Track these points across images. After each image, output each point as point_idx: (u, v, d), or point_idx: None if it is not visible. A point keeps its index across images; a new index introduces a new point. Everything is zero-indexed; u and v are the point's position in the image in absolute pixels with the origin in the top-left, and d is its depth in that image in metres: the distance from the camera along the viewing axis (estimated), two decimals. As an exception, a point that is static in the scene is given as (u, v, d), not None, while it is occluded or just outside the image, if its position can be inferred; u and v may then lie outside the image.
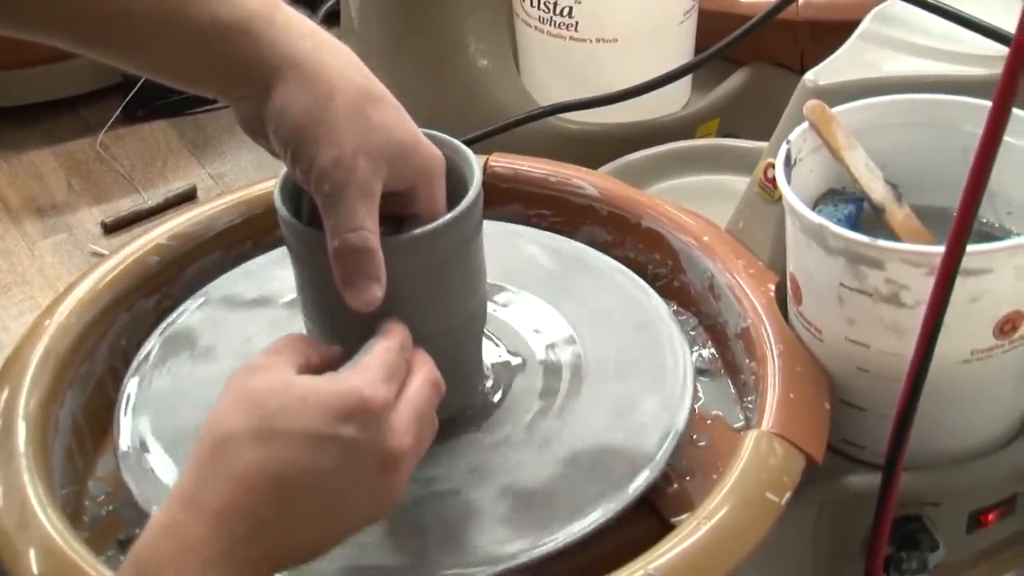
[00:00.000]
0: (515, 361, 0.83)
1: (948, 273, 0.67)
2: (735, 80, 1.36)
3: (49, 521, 0.71)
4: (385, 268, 0.67)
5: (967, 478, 0.84)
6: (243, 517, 0.59)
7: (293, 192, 0.73)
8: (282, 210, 0.71)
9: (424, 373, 0.67)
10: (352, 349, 0.67)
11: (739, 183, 1.11)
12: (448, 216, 0.71)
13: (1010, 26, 0.89)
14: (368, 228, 0.66)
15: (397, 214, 0.71)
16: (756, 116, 1.32)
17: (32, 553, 0.69)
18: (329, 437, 0.60)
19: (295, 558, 0.62)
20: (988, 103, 0.79)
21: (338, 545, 0.64)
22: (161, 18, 0.68)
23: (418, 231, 0.70)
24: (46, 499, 0.72)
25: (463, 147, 0.75)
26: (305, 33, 0.69)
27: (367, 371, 0.64)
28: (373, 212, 0.67)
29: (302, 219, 0.72)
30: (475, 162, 0.74)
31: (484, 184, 0.74)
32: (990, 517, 0.86)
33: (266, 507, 0.60)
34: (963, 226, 0.65)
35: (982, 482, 0.85)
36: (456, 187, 0.73)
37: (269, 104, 0.68)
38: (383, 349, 0.66)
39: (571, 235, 0.95)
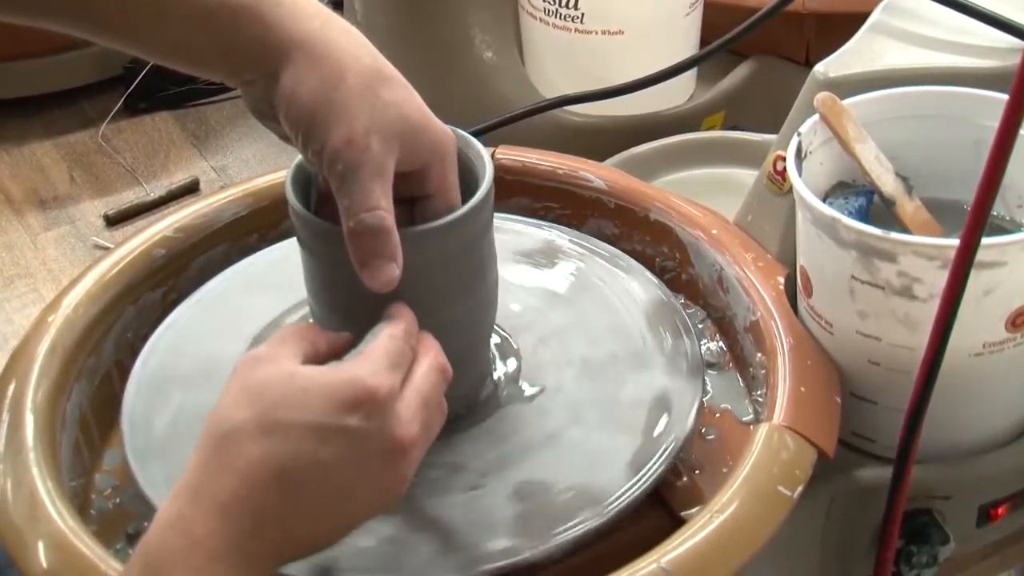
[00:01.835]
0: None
1: (963, 266, 0.67)
2: (740, 72, 1.36)
3: (58, 514, 0.70)
4: None
5: (978, 471, 0.84)
6: (249, 511, 0.59)
7: (303, 184, 0.72)
8: (294, 202, 0.71)
9: (430, 359, 0.66)
10: (361, 339, 0.67)
11: (745, 175, 1.11)
12: (461, 211, 0.71)
13: (1020, 18, 0.88)
14: (383, 207, 0.66)
15: (410, 196, 0.71)
16: (761, 109, 1.32)
17: (41, 546, 0.69)
18: (333, 428, 0.60)
19: (302, 550, 0.62)
20: (1000, 95, 0.78)
21: (346, 536, 0.63)
22: (168, 1, 0.67)
23: (430, 225, 0.70)
24: (55, 492, 0.72)
25: (473, 140, 0.75)
26: (312, 13, 0.69)
27: (371, 360, 0.63)
28: (387, 191, 0.66)
29: (311, 210, 0.72)
30: (485, 155, 0.74)
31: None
32: (1000, 511, 0.86)
33: (271, 500, 0.59)
34: (978, 219, 0.65)
35: (992, 476, 0.84)
36: (467, 180, 0.73)
37: (279, 86, 0.68)
38: (387, 336, 0.65)
39: (578, 228, 0.94)
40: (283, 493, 0.59)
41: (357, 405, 0.61)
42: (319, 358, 0.65)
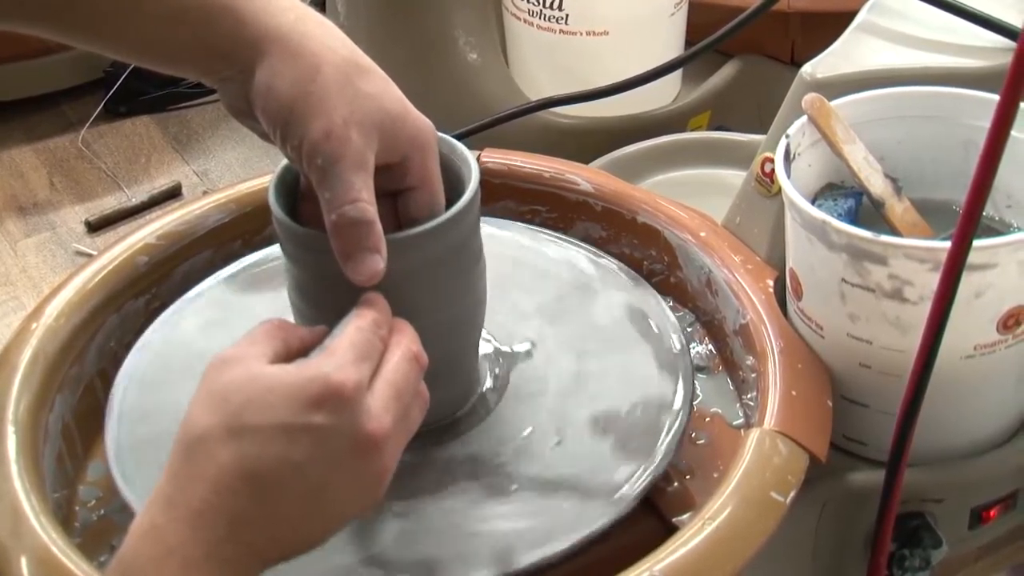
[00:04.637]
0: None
1: (955, 269, 0.66)
2: (726, 72, 1.35)
3: (42, 528, 0.69)
4: None
5: (970, 474, 0.83)
6: (222, 517, 0.58)
7: (287, 190, 0.71)
8: (276, 208, 0.70)
9: (402, 348, 0.65)
10: None
11: (732, 176, 1.11)
12: (447, 214, 0.70)
13: (1007, 17, 0.88)
14: (365, 199, 0.65)
15: (393, 190, 0.70)
16: (747, 108, 1.32)
17: (24, 561, 0.68)
18: (300, 427, 0.59)
19: (284, 553, 0.61)
20: (988, 95, 0.78)
21: (330, 536, 0.62)
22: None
23: (416, 229, 0.69)
24: (38, 506, 0.71)
25: (457, 143, 0.74)
26: (286, 6, 0.68)
27: (336, 354, 0.62)
28: (368, 183, 0.66)
29: (294, 217, 0.71)
30: (471, 158, 0.73)
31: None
32: (992, 513, 0.85)
33: (245, 505, 0.58)
34: (970, 221, 0.64)
35: (984, 478, 0.84)
36: (452, 184, 0.72)
37: (255, 81, 0.67)
38: (354, 328, 0.64)
39: (565, 231, 0.94)
40: (256, 497, 0.58)
41: (323, 402, 0.59)
42: (290, 355, 0.64)
